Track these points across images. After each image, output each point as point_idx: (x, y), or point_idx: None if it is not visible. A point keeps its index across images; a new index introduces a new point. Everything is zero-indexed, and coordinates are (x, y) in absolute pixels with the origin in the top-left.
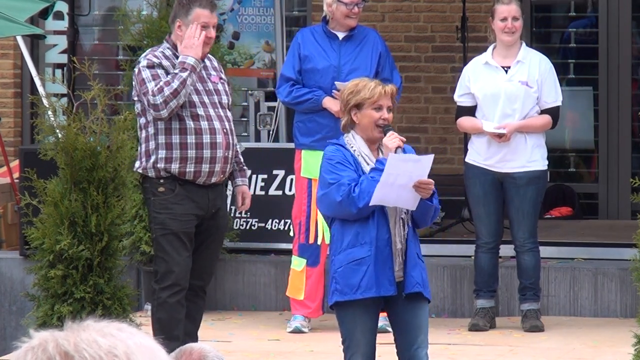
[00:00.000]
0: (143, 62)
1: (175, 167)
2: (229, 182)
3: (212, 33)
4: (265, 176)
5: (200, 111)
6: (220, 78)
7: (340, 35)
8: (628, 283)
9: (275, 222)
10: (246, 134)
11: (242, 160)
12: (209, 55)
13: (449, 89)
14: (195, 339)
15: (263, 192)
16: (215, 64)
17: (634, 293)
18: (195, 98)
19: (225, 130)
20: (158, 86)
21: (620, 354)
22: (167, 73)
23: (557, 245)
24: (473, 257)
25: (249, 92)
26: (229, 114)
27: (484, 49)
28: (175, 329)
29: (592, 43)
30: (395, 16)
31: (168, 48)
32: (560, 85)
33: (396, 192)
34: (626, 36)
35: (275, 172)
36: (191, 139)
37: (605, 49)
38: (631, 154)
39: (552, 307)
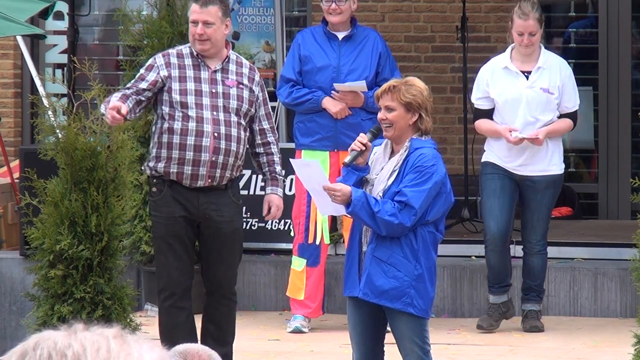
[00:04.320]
0: (150, 60)
1: (161, 166)
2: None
3: (201, 29)
4: None
5: (192, 112)
6: (240, 83)
7: (340, 35)
8: (628, 283)
9: (275, 222)
10: None
11: (277, 169)
12: (244, 61)
13: (449, 89)
14: (226, 345)
15: (263, 192)
16: (245, 70)
17: (634, 293)
18: (190, 99)
19: (217, 134)
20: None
21: (620, 354)
22: (167, 67)
23: (557, 245)
24: (484, 256)
25: None
26: (235, 119)
27: (484, 49)
28: (174, 333)
29: (592, 43)
30: (395, 16)
31: (188, 46)
32: None
33: (325, 198)
34: (626, 36)
35: None
36: (176, 139)
37: (605, 49)
38: (631, 154)
39: (552, 307)
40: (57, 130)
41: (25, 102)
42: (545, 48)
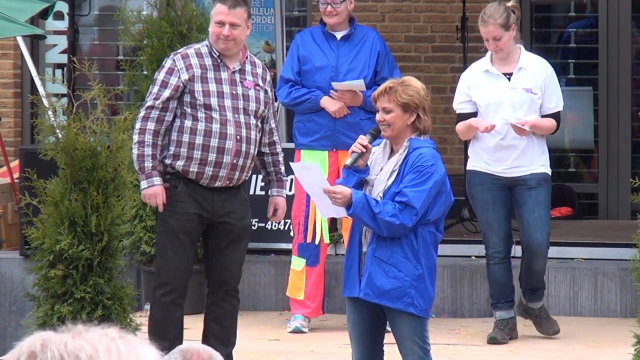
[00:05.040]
0: (169, 62)
1: (180, 164)
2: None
3: (227, 31)
4: None
5: (216, 114)
6: (256, 85)
7: (339, 35)
8: (628, 283)
9: (276, 222)
10: None
11: (282, 170)
12: (257, 61)
13: (449, 89)
14: (229, 345)
15: (263, 192)
16: (259, 70)
17: (634, 293)
18: (213, 101)
19: (239, 137)
20: (145, 115)
21: (620, 354)
22: (188, 69)
23: (557, 245)
24: (486, 270)
25: None
26: (254, 121)
27: (484, 49)
28: (168, 329)
29: (592, 43)
30: (395, 16)
31: (206, 45)
32: (560, 86)
33: (325, 200)
34: (626, 36)
35: None
36: (199, 140)
37: (605, 49)
38: (631, 154)
39: (552, 307)
40: (57, 130)
41: (25, 102)
42: (545, 48)
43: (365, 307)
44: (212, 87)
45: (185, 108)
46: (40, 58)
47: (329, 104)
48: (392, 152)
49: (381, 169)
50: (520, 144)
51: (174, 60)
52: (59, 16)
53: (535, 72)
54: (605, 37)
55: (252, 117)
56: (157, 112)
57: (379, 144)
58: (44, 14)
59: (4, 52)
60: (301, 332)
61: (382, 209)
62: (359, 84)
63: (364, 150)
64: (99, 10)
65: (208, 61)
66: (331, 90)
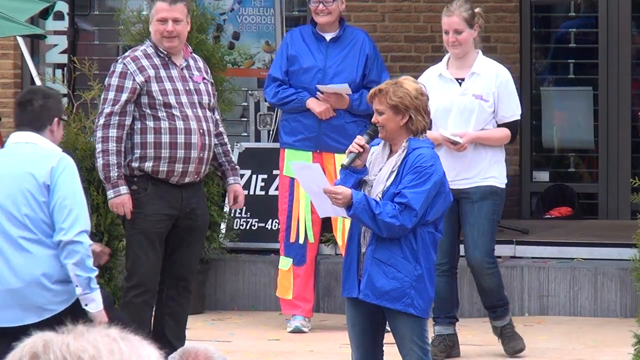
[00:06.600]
0: (119, 66)
1: (149, 165)
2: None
3: (171, 27)
4: (265, 176)
5: (177, 111)
6: (204, 78)
7: (328, 36)
8: (628, 283)
9: (275, 222)
10: (246, 134)
11: (233, 158)
12: (195, 56)
13: None
14: (183, 340)
15: (263, 192)
16: (201, 64)
17: (634, 293)
18: (172, 99)
19: (202, 130)
20: (106, 123)
21: (620, 354)
22: (142, 71)
23: (557, 245)
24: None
25: (249, 92)
26: (209, 114)
27: (484, 49)
28: (140, 329)
29: (592, 43)
30: (395, 16)
31: (150, 46)
32: (560, 86)
33: (324, 200)
34: (626, 36)
35: (275, 172)
36: (165, 138)
37: (605, 49)
38: (631, 154)
39: (552, 307)
40: None
41: None
42: (545, 48)
43: (364, 307)
44: (168, 85)
45: (144, 109)
46: (40, 58)
47: (315, 105)
48: (392, 153)
49: (380, 170)
50: (466, 154)
51: (124, 64)
52: (59, 16)
53: (489, 79)
54: (605, 37)
55: (206, 110)
56: (117, 118)
57: (377, 144)
58: (44, 14)
59: (4, 52)
60: (301, 332)
61: (382, 210)
62: (344, 88)
63: (361, 150)
64: (99, 10)
65: (157, 61)
66: (317, 92)
